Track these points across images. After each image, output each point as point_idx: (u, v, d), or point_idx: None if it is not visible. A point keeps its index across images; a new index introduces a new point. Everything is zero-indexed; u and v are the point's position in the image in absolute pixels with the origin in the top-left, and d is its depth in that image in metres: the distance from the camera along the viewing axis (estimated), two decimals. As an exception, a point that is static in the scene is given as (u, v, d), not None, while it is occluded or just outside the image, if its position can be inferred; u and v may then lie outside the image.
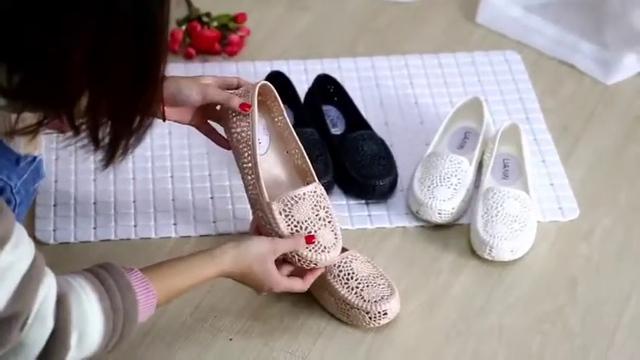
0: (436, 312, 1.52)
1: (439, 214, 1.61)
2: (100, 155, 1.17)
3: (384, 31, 1.99)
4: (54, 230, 1.62)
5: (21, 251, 1.14)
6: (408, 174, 1.69)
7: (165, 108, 1.46)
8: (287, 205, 1.44)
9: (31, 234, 1.58)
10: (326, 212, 1.46)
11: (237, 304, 1.51)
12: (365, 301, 1.47)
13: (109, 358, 1.42)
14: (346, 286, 1.48)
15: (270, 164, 1.51)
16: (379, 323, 1.47)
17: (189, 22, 1.94)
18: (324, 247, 1.43)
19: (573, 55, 1.94)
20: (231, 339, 1.47)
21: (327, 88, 1.78)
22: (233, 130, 1.47)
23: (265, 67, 1.87)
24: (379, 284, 1.49)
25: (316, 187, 1.47)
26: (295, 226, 1.43)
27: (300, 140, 1.67)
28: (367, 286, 1.48)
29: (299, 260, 1.42)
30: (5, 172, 1.48)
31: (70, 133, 1.15)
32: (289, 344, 1.46)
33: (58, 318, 1.17)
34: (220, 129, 1.53)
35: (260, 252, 1.39)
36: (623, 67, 1.91)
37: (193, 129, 1.54)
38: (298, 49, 1.94)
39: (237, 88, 1.50)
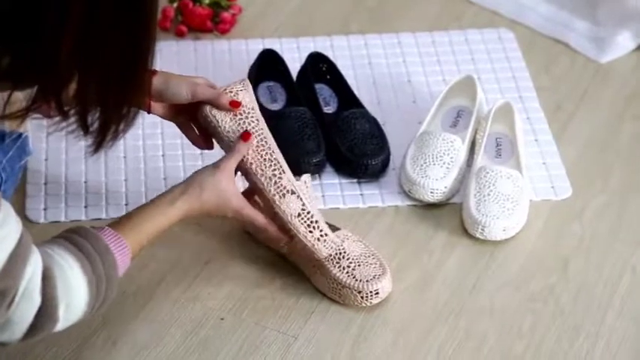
0: (428, 291, 1.52)
1: (431, 193, 1.61)
2: (89, 140, 1.17)
3: (377, 10, 1.98)
4: (44, 209, 1.61)
5: (8, 229, 1.14)
6: (401, 153, 1.68)
7: (152, 102, 1.45)
8: (306, 185, 1.48)
9: (22, 213, 1.59)
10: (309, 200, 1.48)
11: (228, 283, 1.51)
12: (357, 280, 1.47)
13: (102, 336, 1.43)
14: (338, 265, 1.48)
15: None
16: (371, 302, 1.47)
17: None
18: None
19: (567, 33, 1.93)
20: (222, 318, 1.47)
21: (319, 66, 1.78)
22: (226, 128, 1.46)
23: (257, 45, 1.87)
24: (371, 263, 1.49)
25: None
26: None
27: (293, 119, 1.68)
28: (359, 266, 1.48)
29: (308, 250, 1.45)
30: None
31: (58, 118, 1.15)
32: (281, 323, 1.46)
33: (45, 293, 1.18)
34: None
35: (208, 170, 1.40)
36: (616, 45, 1.90)
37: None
38: (291, 27, 1.93)
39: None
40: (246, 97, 1.46)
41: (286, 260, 1.53)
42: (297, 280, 1.50)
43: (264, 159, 1.45)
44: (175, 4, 1.92)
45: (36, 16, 1.06)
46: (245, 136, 1.43)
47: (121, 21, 1.09)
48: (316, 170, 1.65)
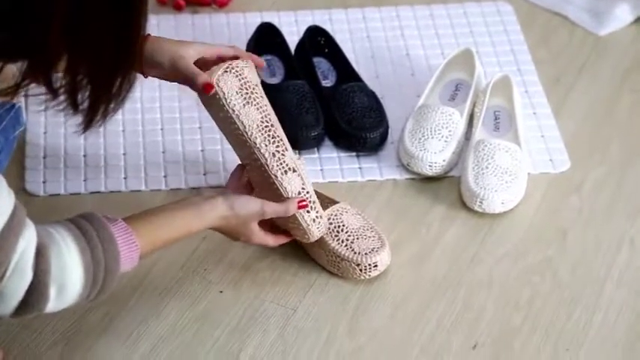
0: (426, 264, 1.52)
1: (430, 166, 1.61)
2: (78, 118, 1.16)
3: (376, -18, 1.97)
4: (44, 182, 1.61)
5: (0, 202, 1.14)
6: (399, 126, 1.68)
7: (145, 67, 1.44)
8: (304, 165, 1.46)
9: (21, 186, 1.59)
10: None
11: (227, 257, 1.51)
12: (355, 253, 1.47)
13: (100, 310, 1.43)
14: (336, 238, 1.48)
15: None
16: (369, 275, 1.48)
17: (179, -27, 1.92)
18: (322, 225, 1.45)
19: (565, 6, 1.93)
20: (221, 291, 1.48)
21: (317, 39, 1.77)
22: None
23: (255, 19, 1.86)
24: (369, 236, 1.49)
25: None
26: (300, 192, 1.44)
27: (291, 92, 1.67)
28: (357, 239, 1.48)
29: (299, 232, 1.44)
30: None
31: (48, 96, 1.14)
32: (280, 297, 1.47)
33: (37, 270, 1.17)
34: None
35: (249, 214, 1.39)
36: (615, 17, 1.90)
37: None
38: (289, 1, 1.93)
39: (234, 59, 1.47)
40: (250, 73, 1.46)
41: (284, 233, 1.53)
42: (295, 253, 1.51)
43: (268, 134, 1.44)
44: (173, -22, 1.92)
45: None
46: (300, 203, 1.42)
47: (110, 3, 1.08)
48: (315, 144, 1.65)
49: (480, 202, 1.56)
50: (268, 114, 1.45)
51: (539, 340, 1.43)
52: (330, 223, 1.49)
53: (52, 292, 1.19)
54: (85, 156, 1.65)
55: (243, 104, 1.44)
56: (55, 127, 1.68)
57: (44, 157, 1.65)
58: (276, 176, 1.43)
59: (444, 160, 1.61)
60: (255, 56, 1.49)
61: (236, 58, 1.47)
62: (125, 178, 1.62)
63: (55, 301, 1.20)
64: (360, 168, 1.65)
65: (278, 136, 1.44)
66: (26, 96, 1.16)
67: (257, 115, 1.43)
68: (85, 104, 1.14)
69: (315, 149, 1.66)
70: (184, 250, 1.51)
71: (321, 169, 1.64)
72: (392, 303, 1.47)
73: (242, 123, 1.43)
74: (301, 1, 1.92)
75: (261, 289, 1.48)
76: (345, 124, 1.65)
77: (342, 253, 1.47)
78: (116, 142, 1.67)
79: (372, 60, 1.82)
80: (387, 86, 1.77)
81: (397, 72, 1.81)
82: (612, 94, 1.79)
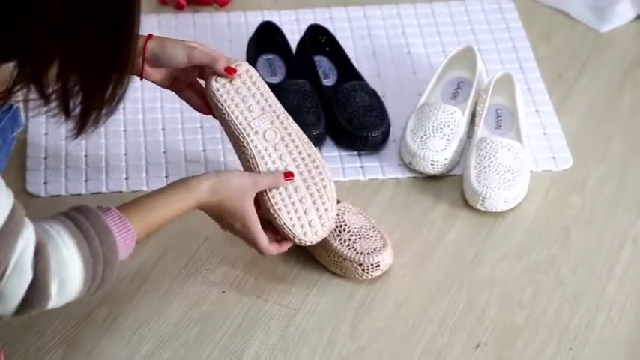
0: (429, 263, 1.52)
1: (432, 165, 1.61)
2: (71, 125, 1.15)
3: (377, -20, 1.97)
4: (45, 183, 1.61)
5: None
6: (401, 125, 1.68)
7: (148, 68, 1.44)
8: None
9: (23, 187, 1.59)
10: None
11: (229, 257, 1.51)
12: (357, 253, 1.47)
13: (102, 311, 1.43)
14: (339, 238, 1.48)
15: None
16: (372, 275, 1.47)
17: (180, -28, 1.92)
18: (316, 231, 1.43)
19: (567, 3, 1.92)
20: (224, 292, 1.48)
21: (318, 38, 1.77)
22: (216, 94, 1.45)
23: (256, 18, 1.86)
24: (372, 236, 1.49)
25: None
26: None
27: (292, 92, 1.67)
28: (360, 238, 1.48)
29: (294, 238, 1.43)
30: None
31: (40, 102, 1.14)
32: (282, 297, 1.47)
33: (37, 268, 1.17)
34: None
35: (240, 185, 1.38)
36: (616, 13, 1.89)
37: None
38: (289, -1, 1.93)
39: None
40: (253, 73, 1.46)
41: (287, 233, 1.53)
42: (298, 254, 1.51)
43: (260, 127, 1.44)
44: (174, -23, 1.92)
45: (12, 2, 1.04)
46: (287, 174, 1.42)
47: (101, 8, 1.07)
48: (316, 143, 1.65)
49: (483, 201, 1.56)
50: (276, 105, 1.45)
51: (543, 339, 1.43)
52: (332, 223, 1.49)
53: (53, 289, 1.19)
54: (86, 157, 1.65)
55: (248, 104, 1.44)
56: (56, 128, 1.68)
57: (45, 158, 1.64)
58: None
59: (446, 159, 1.61)
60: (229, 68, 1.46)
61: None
62: (126, 179, 1.62)
63: (56, 298, 1.20)
64: (361, 167, 1.65)
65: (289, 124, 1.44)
66: (24, 101, 1.16)
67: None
68: (77, 110, 1.14)
69: (317, 149, 1.65)
70: (186, 250, 1.51)
71: (323, 169, 1.64)
72: (395, 303, 1.47)
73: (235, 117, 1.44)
74: (302, 0, 1.92)
75: (264, 290, 1.47)
76: (347, 123, 1.65)
77: (345, 252, 1.47)
78: (117, 143, 1.67)
79: (374, 58, 1.82)
80: (388, 85, 1.77)
81: (398, 70, 1.80)
82: (614, 91, 1.79)
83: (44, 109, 1.14)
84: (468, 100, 1.67)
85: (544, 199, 1.61)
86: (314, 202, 1.43)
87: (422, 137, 1.62)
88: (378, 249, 1.48)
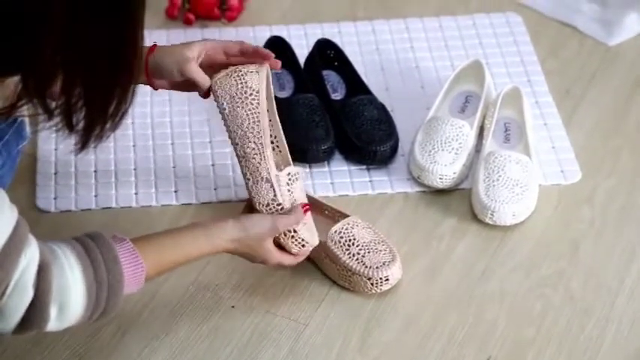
0: (438, 277, 1.52)
1: (440, 179, 1.61)
2: (74, 139, 1.15)
3: (384, -5, 1.98)
4: (55, 198, 1.62)
5: (1, 219, 1.13)
6: (409, 139, 1.68)
7: (155, 80, 1.44)
8: (289, 179, 1.44)
9: (32, 202, 1.59)
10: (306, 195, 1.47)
11: (239, 271, 1.51)
12: (366, 267, 1.47)
13: (112, 326, 1.43)
14: (347, 252, 1.48)
15: None
16: (381, 289, 1.47)
17: (188, -12, 1.92)
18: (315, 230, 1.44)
19: (575, 16, 1.92)
20: (233, 306, 1.48)
21: (327, 52, 1.77)
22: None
23: (265, 32, 1.86)
24: (380, 250, 1.49)
25: (300, 170, 1.47)
26: (293, 202, 1.43)
27: (301, 106, 1.67)
28: (368, 252, 1.48)
29: (294, 241, 1.42)
30: None
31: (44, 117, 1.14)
32: (291, 311, 1.47)
33: (38, 288, 1.16)
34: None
35: (261, 232, 1.38)
36: (624, 27, 1.90)
37: (194, 95, 1.51)
38: (298, 14, 1.93)
39: (242, 55, 1.47)
40: (254, 79, 1.46)
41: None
42: (307, 268, 1.51)
43: (249, 140, 1.43)
44: (182, -8, 1.92)
45: (17, 13, 1.04)
46: (305, 207, 1.42)
47: (104, 23, 1.07)
48: (325, 157, 1.65)
49: (491, 215, 1.56)
50: (258, 121, 1.44)
51: (553, 353, 1.43)
52: (341, 237, 1.49)
53: (53, 311, 1.18)
54: (95, 172, 1.65)
55: (234, 107, 1.43)
56: (66, 143, 1.68)
57: (55, 174, 1.65)
58: (248, 181, 1.43)
59: (454, 173, 1.61)
60: (271, 56, 1.46)
61: (245, 54, 1.46)
62: (136, 194, 1.62)
63: (55, 321, 1.19)
64: (370, 181, 1.65)
65: (261, 144, 1.43)
66: (28, 116, 1.16)
67: (244, 121, 1.43)
68: (81, 125, 1.14)
69: (326, 163, 1.66)
70: (195, 265, 1.51)
71: (332, 183, 1.64)
72: (404, 317, 1.47)
73: (228, 126, 1.44)
74: (310, 15, 1.93)
75: (273, 304, 1.48)
76: (355, 138, 1.65)
77: (353, 267, 1.47)
78: (127, 158, 1.67)
79: (382, 72, 1.82)
80: (396, 99, 1.77)
81: (407, 84, 1.80)
82: (623, 104, 1.78)
83: (48, 123, 1.14)
84: (476, 114, 1.68)
85: (553, 212, 1.61)
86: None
87: (430, 151, 1.62)
88: (386, 263, 1.48)
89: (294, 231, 1.41)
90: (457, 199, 1.62)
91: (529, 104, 1.70)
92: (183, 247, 1.32)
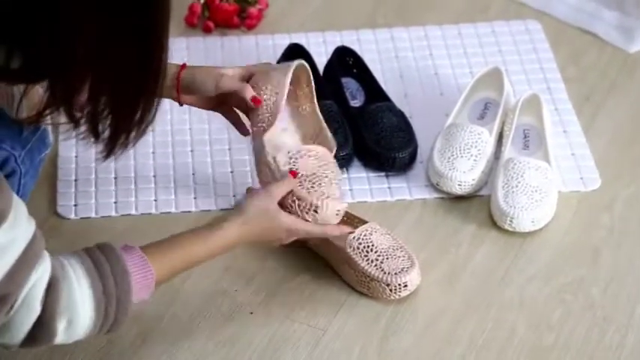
0: (456, 283, 1.52)
1: (459, 185, 1.61)
2: (99, 147, 1.16)
3: (403, 3, 1.97)
4: (75, 205, 1.62)
5: (18, 231, 1.14)
6: (428, 145, 1.68)
7: (184, 96, 1.48)
8: (292, 157, 1.45)
9: (53, 209, 1.60)
10: (333, 174, 1.46)
11: (257, 278, 1.51)
12: (385, 273, 1.47)
13: (132, 332, 1.44)
14: (366, 258, 1.48)
15: None
16: (400, 295, 1.47)
17: (208, -4, 1.93)
18: (327, 195, 1.42)
19: (595, 24, 1.92)
20: (252, 312, 1.48)
21: (346, 60, 1.78)
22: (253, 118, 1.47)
23: (284, 40, 1.87)
24: (399, 256, 1.49)
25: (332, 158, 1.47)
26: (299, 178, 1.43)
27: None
28: (387, 259, 1.48)
29: (299, 206, 1.41)
30: (9, 142, 1.46)
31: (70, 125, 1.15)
32: (310, 317, 1.47)
33: (46, 304, 1.17)
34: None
35: (259, 203, 1.38)
36: (645, 34, 1.89)
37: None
38: (317, 22, 1.93)
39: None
40: (279, 77, 1.47)
41: (314, 254, 1.53)
42: (325, 274, 1.51)
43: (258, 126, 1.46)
44: (202, 0, 1.93)
45: (49, 23, 1.05)
46: (292, 173, 1.43)
47: (135, 35, 1.08)
48: (344, 164, 1.65)
49: (510, 221, 1.56)
50: (270, 115, 1.46)
51: (572, 360, 1.42)
52: (360, 243, 1.49)
53: (61, 326, 1.19)
54: (115, 178, 1.66)
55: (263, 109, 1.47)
56: (86, 151, 1.69)
57: (75, 181, 1.66)
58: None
59: (473, 179, 1.61)
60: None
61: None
62: (155, 201, 1.63)
63: (63, 335, 1.20)
64: (389, 188, 1.65)
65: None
66: (53, 124, 1.17)
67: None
68: (106, 133, 1.15)
69: (344, 169, 1.66)
70: (214, 271, 1.51)
71: (351, 189, 1.64)
72: (422, 323, 1.46)
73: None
74: (329, 22, 1.93)
75: (291, 310, 1.48)
76: (374, 144, 1.65)
77: (372, 273, 1.47)
78: (146, 164, 1.68)
79: (401, 80, 1.82)
80: (415, 106, 1.77)
81: (426, 91, 1.81)
82: (643, 112, 1.78)
83: (74, 132, 1.15)
84: (495, 121, 1.67)
85: (572, 219, 1.61)
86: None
87: (449, 158, 1.62)
88: (405, 269, 1.47)
89: (299, 199, 1.40)
90: (476, 205, 1.62)
91: (548, 111, 1.70)
92: (190, 246, 1.33)
